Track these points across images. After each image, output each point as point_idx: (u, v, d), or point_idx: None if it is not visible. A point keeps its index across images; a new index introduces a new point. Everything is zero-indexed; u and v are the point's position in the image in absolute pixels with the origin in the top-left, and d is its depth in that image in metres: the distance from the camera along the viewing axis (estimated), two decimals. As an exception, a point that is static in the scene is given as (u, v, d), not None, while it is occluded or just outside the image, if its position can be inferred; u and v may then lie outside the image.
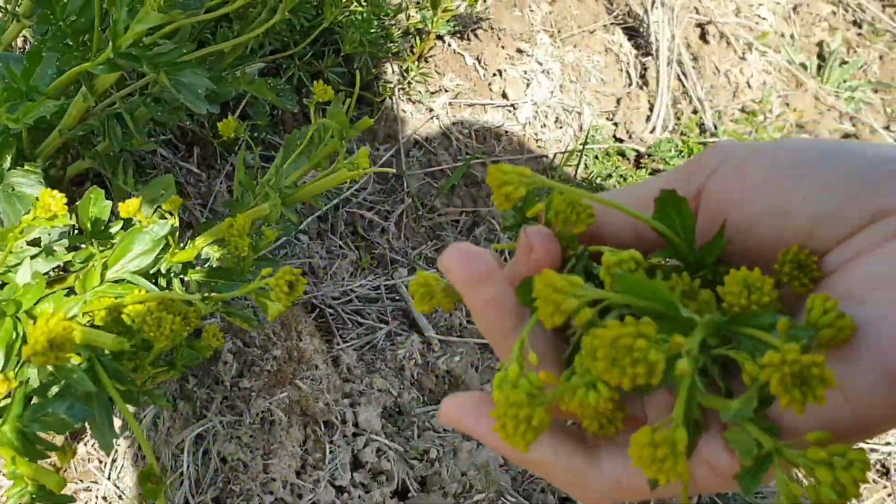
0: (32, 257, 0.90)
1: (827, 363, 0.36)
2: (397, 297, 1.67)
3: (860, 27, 2.59)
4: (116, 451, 1.29)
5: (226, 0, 1.03)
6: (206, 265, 1.10)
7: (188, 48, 1.06)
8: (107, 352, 0.86)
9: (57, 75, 1.04)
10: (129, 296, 0.83)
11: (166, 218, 0.94)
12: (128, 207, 0.86)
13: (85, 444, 1.30)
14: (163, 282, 0.98)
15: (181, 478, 1.25)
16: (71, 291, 0.87)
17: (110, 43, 0.93)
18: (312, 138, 1.17)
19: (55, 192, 0.78)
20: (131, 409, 1.29)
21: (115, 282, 0.89)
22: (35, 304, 0.81)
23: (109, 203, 0.97)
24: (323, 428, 1.37)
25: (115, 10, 0.93)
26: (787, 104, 2.27)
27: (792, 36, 2.50)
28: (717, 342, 0.40)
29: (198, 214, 1.57)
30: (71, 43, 1.02)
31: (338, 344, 1.54)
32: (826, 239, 0.40)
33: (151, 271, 0.92)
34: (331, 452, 1.36)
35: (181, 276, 0.99)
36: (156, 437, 1.26)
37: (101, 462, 1.30)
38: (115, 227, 0.99)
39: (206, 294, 0.78)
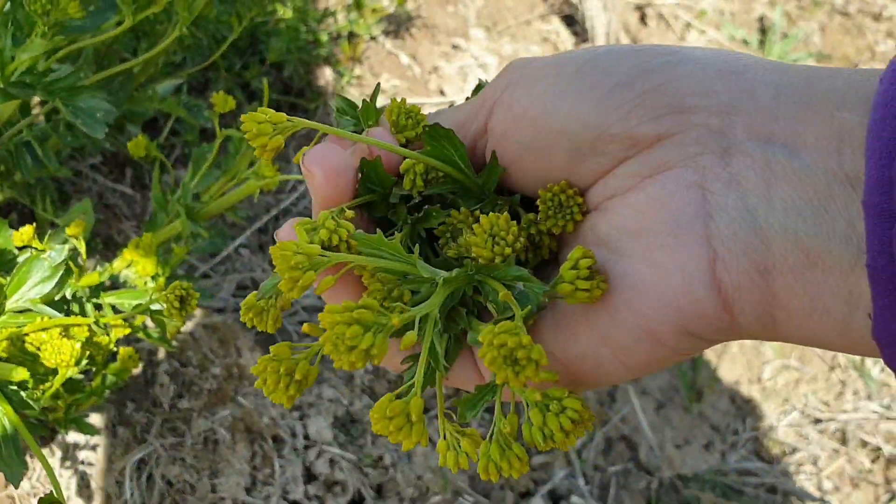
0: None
1: (591, 315, 0.37)
2: (345, 304, 1.65)
3: (799, -1, 2.59)
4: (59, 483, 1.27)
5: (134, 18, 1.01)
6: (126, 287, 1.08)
7: (87, 71, 1.04)
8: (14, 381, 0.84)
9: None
10: (30, 324, 0.81)
11: (73, 244, 0.93)
12: (22, 236, 0.84)
13: (29, 479, 1.28)
14: (75, 307, 0.96)
15: (126, 505, 1.23)
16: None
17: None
18: (228, 150, 1.15)
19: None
20: (71, 438, 1.27)
21: (19, 311, 0.87)
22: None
23: (14, 232, 0.94)
24: (271, 443, 1.35)
25: (-1, 38, 0.91)
26: (730, 80, 2.26)
27: (732, 13, 2.50)
28: (472, 291, 0.40)
29: (133, 236, 1.54)
30: (-36, 74, 1.00)
31: (283, 356, 1.52)
32: (585, 175, 0.39)
33: (57, 298, 0.90)
34: (281, 467, 1.34)
35: (94, 301, 0.97)
36: (96, 464, 1.24)
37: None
38: (22, 257, 0.97)
39: (100, 317, 0.76)
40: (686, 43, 2.30)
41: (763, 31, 2.49)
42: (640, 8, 2.37)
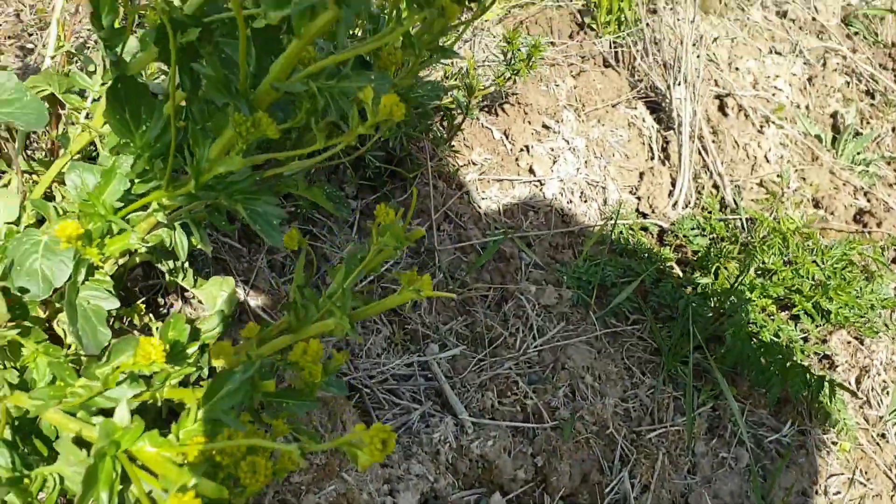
0: (119, 383, 0.94)
1: None
2: (430, 376, 1.71)
3: (873, 97, 2.65)
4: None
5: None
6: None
7: (257, 174, 1.10)
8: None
9: (130, 195, 1.08)
10: (220, 437, 0.86)
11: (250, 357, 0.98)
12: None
13: None
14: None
15: (230, 569, 1.28)
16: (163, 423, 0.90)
17: (192, 180, 0.98)
18: (363, 241, 1.21)
19: (153, 339, 0.82)
20: None
21: (208, 421, 0.93)
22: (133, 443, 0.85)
23: (188, 327, 1.00)
24: (365, 516, 1.41)
25: (198, 150, 0.97)
26: (804, 178, 2.32)
27: (807, 107, 2.56)
28: None
29: (241, 292, 1.60)
30: (147, 168, 1.06)
31: (376, 427, 1.57)
32: None
33: (230, 401, 0.96)
34: (372, 540, 1.39)
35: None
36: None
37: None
38: (192, 349, 1.03)
39: (303, 445, 0.82)
40: (763, 138, 2.36)
41: (836, 127, 2.54)
42: (720, 97, 2.43)
